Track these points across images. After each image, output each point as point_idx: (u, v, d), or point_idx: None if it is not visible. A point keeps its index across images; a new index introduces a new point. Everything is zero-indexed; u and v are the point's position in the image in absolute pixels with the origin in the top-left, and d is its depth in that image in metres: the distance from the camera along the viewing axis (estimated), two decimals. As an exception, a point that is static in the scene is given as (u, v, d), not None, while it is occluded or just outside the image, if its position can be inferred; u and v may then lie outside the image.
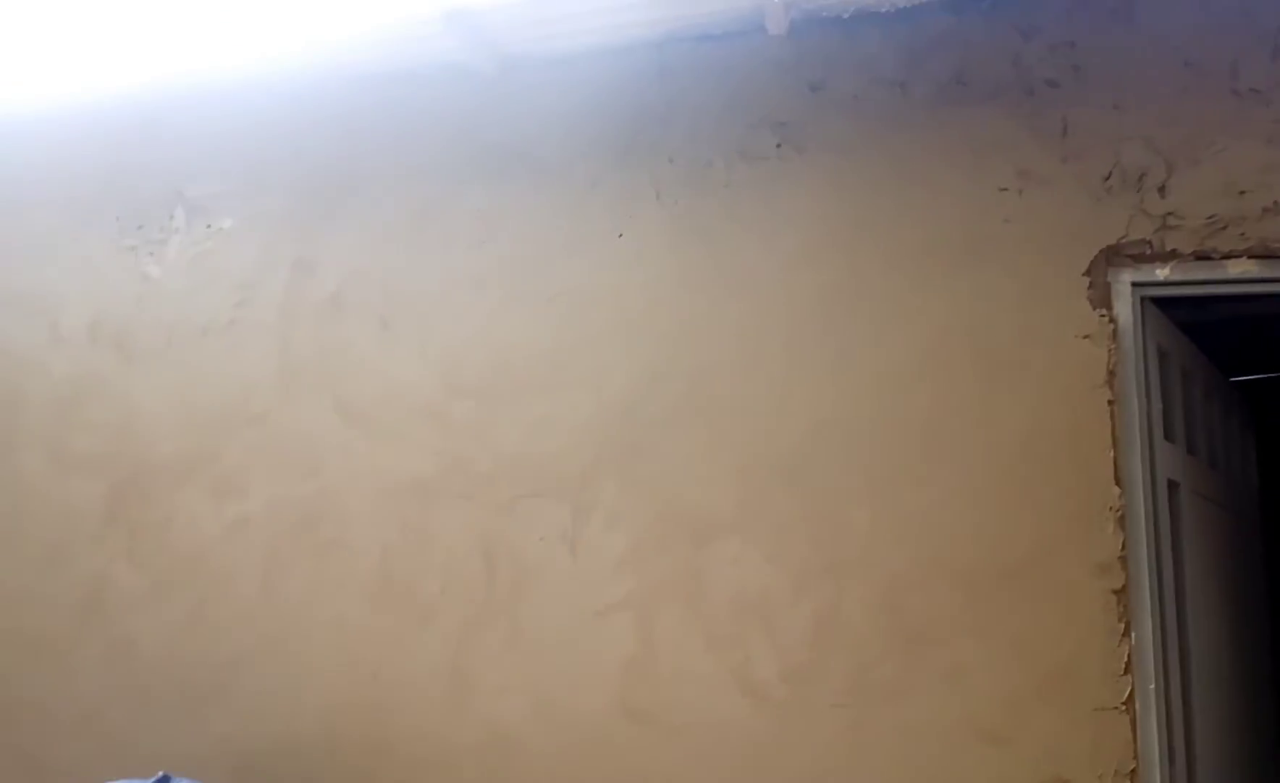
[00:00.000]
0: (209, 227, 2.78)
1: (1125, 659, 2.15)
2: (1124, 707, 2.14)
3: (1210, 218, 2.28)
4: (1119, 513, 2.21)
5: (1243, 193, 2.27)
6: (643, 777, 2.33)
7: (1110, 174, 2.34)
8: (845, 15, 2.48)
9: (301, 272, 2.68)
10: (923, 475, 2.31)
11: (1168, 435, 2.46)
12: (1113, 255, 2.32)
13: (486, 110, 2.66)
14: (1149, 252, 2.31)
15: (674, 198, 2.52)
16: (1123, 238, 2.31)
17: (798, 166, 2.48)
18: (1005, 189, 2.38)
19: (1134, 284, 2.32)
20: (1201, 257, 2.29)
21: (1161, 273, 2.32)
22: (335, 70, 2.70)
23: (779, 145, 2.50)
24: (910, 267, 2.38)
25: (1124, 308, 2.31)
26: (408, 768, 2.46)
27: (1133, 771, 2.11)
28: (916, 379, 2.34)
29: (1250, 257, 2.28)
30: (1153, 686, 2.15)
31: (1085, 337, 2.29)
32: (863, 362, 2.37)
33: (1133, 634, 2.17)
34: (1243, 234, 2.27)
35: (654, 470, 2.43)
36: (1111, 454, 2.23)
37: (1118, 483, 2.22)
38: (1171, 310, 2.51)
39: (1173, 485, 2.44)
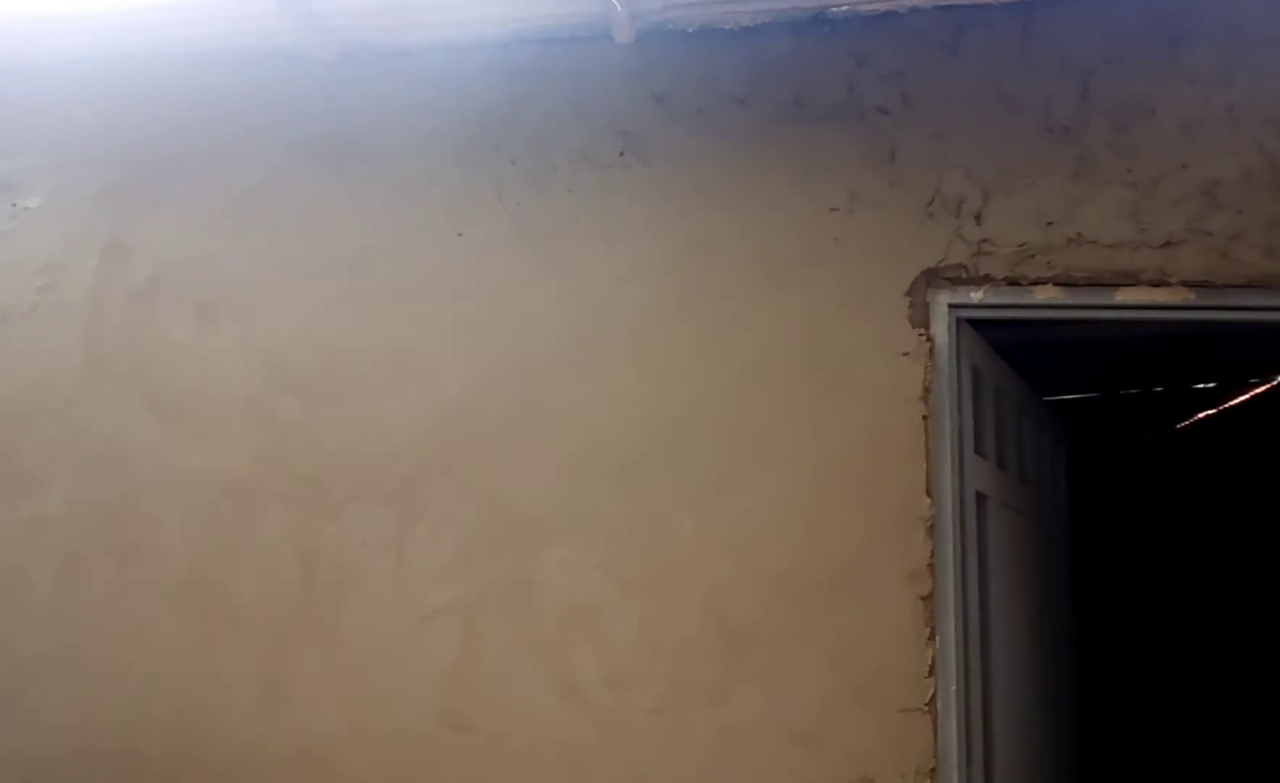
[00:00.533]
0: (14, 205, 2.59)
1: (930, 662, 2.25)
2: (927, 708, 2.23)
3: (1021, 246, 2.42)
4: (929, 523, 2.31)
5: (1050, 224, 2.42)
6: (464, 786, 2.29)
7: (933, 200, 2.45)
8: (690, 29, 2.52)
9: (114, 256, 2.52)
10: (747, 483, 2.35)
11: (979, 450, 2.59)
12: (932, 277, 2.43)
13: (322, 98, 2.57)
14: (965, 275, 2.43)
15: (515, 199, 2.50)
16: (942, 261, 2.42)
17: (640, 175, 2.50)
18: (836, 209, 2.46)
19: (951, 305, 2.44)
20: (1012, 282, 2.43)
21: (976, 296, 2.44)
22: (160, 46, 2.57)
23: (622, 153, 2.51)
24: (745, 280, 2.43)
25: (941, 327, 2.42)
26: (216, 782, 2.35)
27: (932, 769, 2.21)
28: (745, 390, 2.39)
29: (1056, 284, 2.42)
30: (954, 687, 2.26)
31: (905, 354, 2.38)
32: (695, 370, 2.41)
33: (937, 639, 2.27)
34: (1049, 262, 2.41)
35: (487, 475, 2.40)
36: (924, 467, 2.33)
37: (929, 494, 2.32)
38: (988, 331, 2.64)
39: (981, 497, 2.57)
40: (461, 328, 2.45)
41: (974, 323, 2.56)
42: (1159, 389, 6.93)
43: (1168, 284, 2.39)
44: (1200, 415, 7.26)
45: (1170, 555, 7.23)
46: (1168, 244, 2.39)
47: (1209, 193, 2.40)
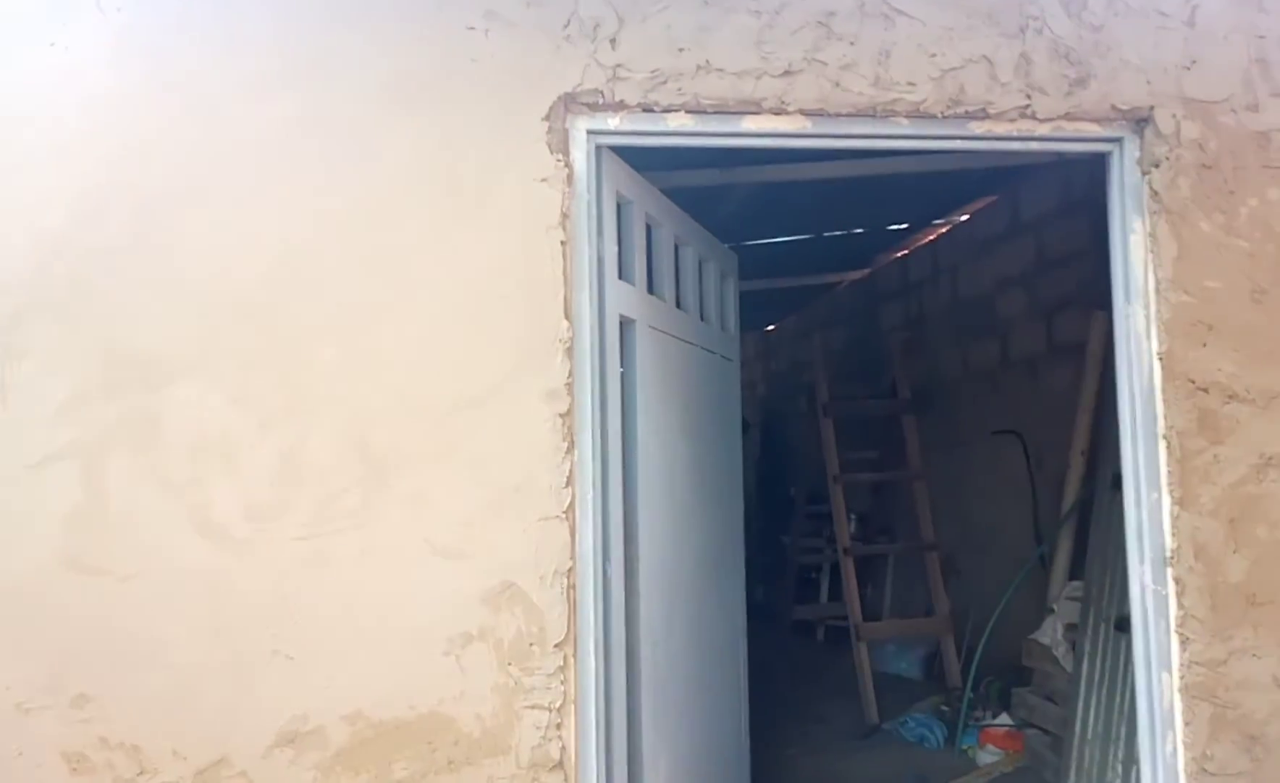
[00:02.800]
0: None
1: (568, 473, 2.37)
2: (565, 515, 2.36)
3: (654, 72, 2.48)
4: (567, 345, 2.40)
5: (681, 50, 2.49)
6: (95, 630, 2.21)
7: (569, 22, 2.45)
8: None
9: None
10: (386, 311, 2.34)
11: (624, 275, 2.70)
12: (570, 102, 2.46)
13: None
14: (601, 101, 2.47)
15: (117, 6, 2.27)
16: (579, 86, 2.45)
17: (263, -15, 2.34)
18: (473, 28, 2.42)
19: (589, 132, 2.48)
20: (647, 109, 2.50)
21: (613, 122, 2.50)
22: None
23: (244, -41, 2.33)
24: (376, 100, 2.37)
25: (580, 154, 2.47)
26: None
27: (570, 569, 2.35)
28: (380, 216, 2.35)
29: (687, 111, 2.52)
30: (590, 495, 2.40)
31: (543, 180, 2.42)
32: (326, 196, 2.34)
33: (575, 452, 2.39)
34: (680, 89, 2.49)
35: (99, 311, 2.25)
36: (563, 291, 2.40)
37: (568, 318, 2.40)
38: (668, 164, 2.70)
39: (627, 321, 2.70)
40: (60, 151, 2.24)
41: (619, 151, 2.63)
42: (859, 231, 7.51)
43: (787, 113, 2.55)
44: (894, 255, 7.95)
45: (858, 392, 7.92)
46: (787, 73, 2.53)
47: (825, 23, 2.55)
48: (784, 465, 9.61)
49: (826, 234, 7.39)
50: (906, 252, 7.82)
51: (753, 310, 10.04)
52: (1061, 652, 4.55)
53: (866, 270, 8.60)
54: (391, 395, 2.34)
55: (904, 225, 7.35)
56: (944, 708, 5.44)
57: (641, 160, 2.78)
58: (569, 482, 2.37)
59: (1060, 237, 5.53)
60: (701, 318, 3.46)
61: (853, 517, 7.15)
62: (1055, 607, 4.74)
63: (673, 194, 3.55)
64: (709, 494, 3.34)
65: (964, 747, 5.00)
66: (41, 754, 2.18)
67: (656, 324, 2.89)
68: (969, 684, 5.28)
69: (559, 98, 2.44)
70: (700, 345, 3.33)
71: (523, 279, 2.39)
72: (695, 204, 4.24)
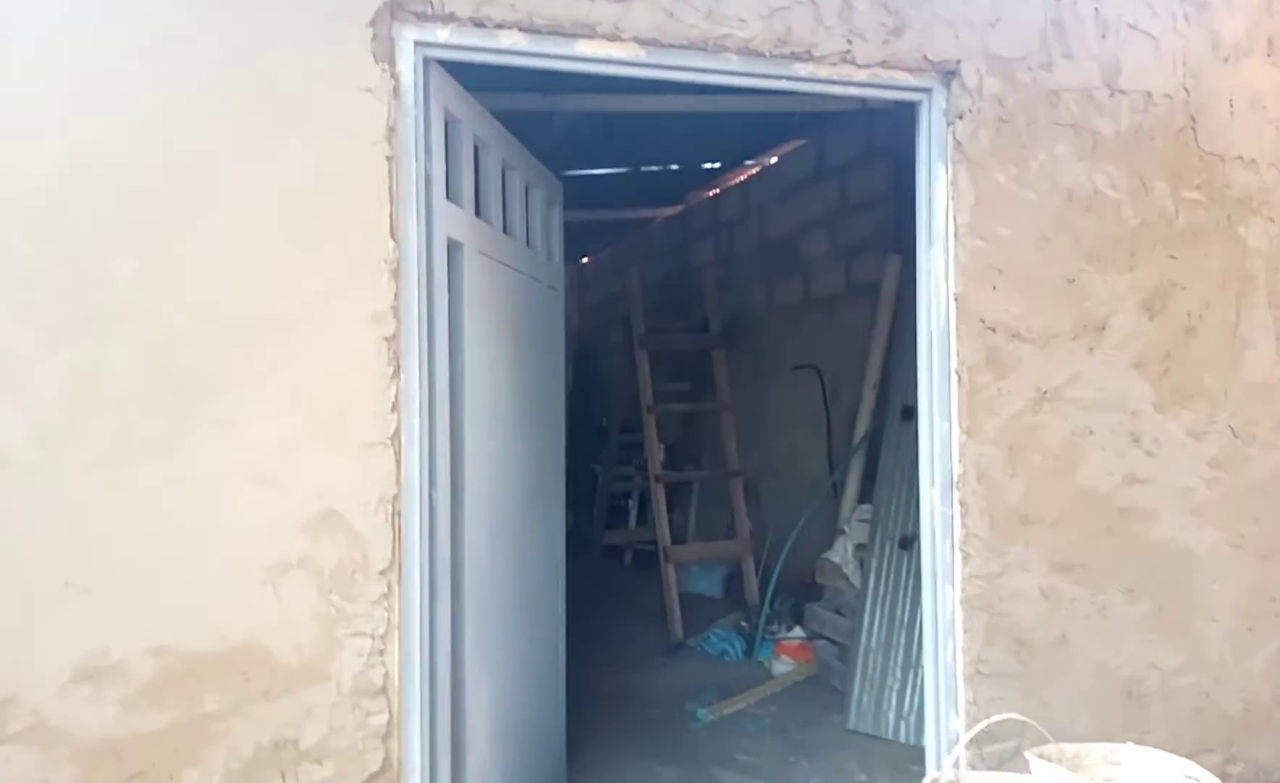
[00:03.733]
0: None
1: (394, 398, 2.31)
2: (390, 442, 2.31)
3: (486, -14, 2.40)
4: (393, 266, 2.32)
5: (513, -33, 2.42)
6: None
7: (396, -75, 2.32)
8: None
9: None
10: (194, 222, 2.18)
11: (452, 197, 2.63)
12: (397, 10, 2.35)
13: None
14: (430, 11, 2.37)
15: None
16: (407, -7, 2.34)
17: None
18: (296, -78, 2.25)
19: (417, 43, 2.38)
20: (478, 23, 2.42)
21: (442, 34, 2.40)
22: None
23: None
24: (183, -9, 2.17)
25: (406, 65, 2.37)
26: None
27: (395, 495, 2.31)
28: (188, 116, 2.18)
29: (520, 30, 2.46)
30: (417, 421, 2.35)
31: (368, 90, 2.31)
32: (123, 94, 2.14)
33: (401, 376, 2.33)
34: (513, 6, 2.43)
35: None
36: (389, 209, 2.31)
37: (394, 237, 2.32)
38: (491, 85, 2.61)
39: (455, 244, 2.64)
40: None
41: (449, 66, 2.54)
42: (675, 167, 7.61)
43: (621, 39, 2.54)
44: (707, 193, 8.12)
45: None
46: (622, -1, 2.52)
47: (661, -48, 2.55)
48: (596, 396, 9.72)
49: (643, 168, 7.46)
50: (719, 191, 8.01)
51: (568, 242, 10.04)
52: (851, 570, 4.90)
53: (680, 207, 8.74)
54: (198, 313, 2.19)
55: (717, 164, 7.52)
56: (743, 624, 5.75)
57: (468, 80, 2.70)
58: (395, 407, 2.31)
59: (862, 183, 5.82)
60: (528, 245, 3.42)
61: (663, 446, 7.36)
62: (846, 528, 5.09)
63: (496, 118, 3.48)
64: (534, 422, 3.34)
65: (761, 659, 5.31)
66: None
67: (485, 249, 2.84)
68: (766, 601, 5.60)
69: (385, 3, 2.32)
70: (527, 273, 3.30)
71: (346, 194, 2.29)
72: (516, 129, 4.18)
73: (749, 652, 5.46)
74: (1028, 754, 2.26)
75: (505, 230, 3.17)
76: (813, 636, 5.27)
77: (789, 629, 5.46)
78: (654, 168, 7.52)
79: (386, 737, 2.28)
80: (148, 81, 2.14)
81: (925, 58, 2.76)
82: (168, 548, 2.16)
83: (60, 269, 2.10)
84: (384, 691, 2.28)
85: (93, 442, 2.11)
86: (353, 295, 2.28)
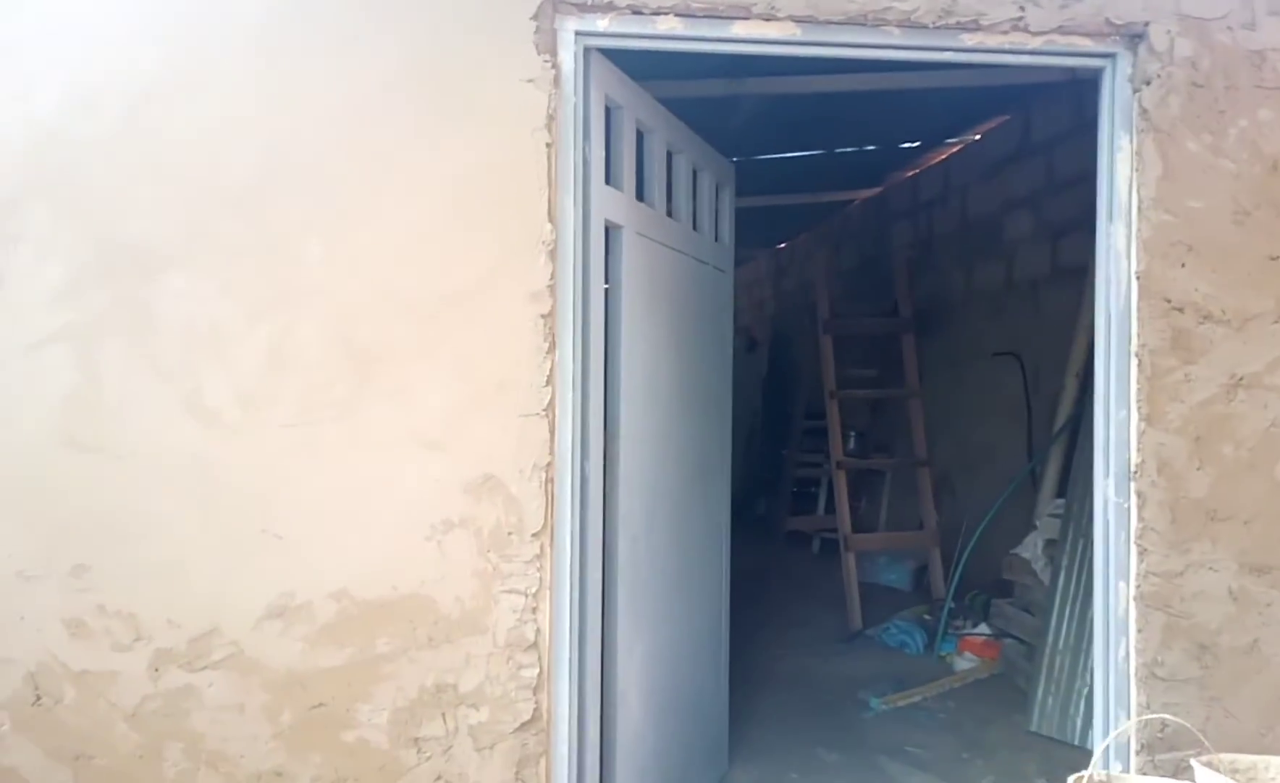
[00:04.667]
0: None
1: (549, 373, 2.44)
2: (545, 413, 2.44)
3: (644, -26, 2.48)
4: (550, 248, 2.44)
5: (671, -47, 2.49)
6: (91, 505, 2.32)
7: (559, -79, 2.44)
8: None
9: None
10: (373, 207, 2.39)
11: (611, 181, 2.73)
12: (559, 3, 2.46)
13: None
14: (590, 2, 2.47)
15: (106, -106, 2.28)
16: (567, -14, 2.45)
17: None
18: (460, -78, 2.42)
19: (578, 33, 2.49)
20: (636, 11, 2.50)
21: (602, 24, 2.50)
22: None
23: None
24: (365, -4, 2.38)
25: (567, 55, 2.48)
26: None
27: (548, 464, 2.44)
28: (367, 112, 2.38)
29: (676, 15, 2.52)
30: (570, 395, 2.47)
31: (530, 81, 2.44)
32: (315, 91, 2.37)
33: (556, 352, 2.46)
34: (670, -7, 2.49)
35: (93, 199, 2.31)
36: (547, 194, 2.44)
37: (551, 220, 2.44)
38: (647, 72, 2.68)
39: (614, 227, 2.74)
40: (51, 36, 2.27)
41: (611, 54, 2.64)
42: (871, 148, 7.43)
43: (776, 19, 2.54)
44: (907, 174, 7.87)
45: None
46: (778, -22, 2.52)
47: (818, -70, 2.53)
48: (792, 383, 9.68)
49: (838, 151, 7.33)
50: (918, 171, 7.75)
51: (765, 227, 10.05)
52: (1040, 566, 4.66)
53: (879, 188, 8.53)
54: (376, 291, 2.40)
55: (916, 143, 7.28)
56: (926, 617, 5.60)
57: (641, 67, 2.79)
58: (549, 381, 2.44)
59: (1070, 158, 5.48)
60: (695, 228, 3.48)
61: (852, 433, 7.24)
62: (1038, 522, 4.84)
63: (676, 104, 3.56)
64: (696, 401, 3.41)
65: (942, 653, 5.16)
66: (42, 620, 2.30)
67: (645, 231, 2.93)
68: (950, 594, 5.42)
69: (547, -2, 2.45)
70: (691, 255, 3.36)
71: (508, 180, 2.43)
72: (702, 115, 4.24)
73: (930, 646, 5.31)
74: (1193, 761, 2.11)
75: (670, 213, 3.24)
76: (999, 633, 5.06)
77: (975, 625, 5.26)
78: (849, 149, 7.38)
79: (537, 689, 2.43)
80: (334, 79, 2.37)
81: (1108, 21, 2.59)
82: (348, 502, 2.39)
83: (259, 250, 2.37)
84: (535, 646, 2.43)
85: (285, 404, 2.37)
86: (513, 275, 2.42)
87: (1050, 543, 4.64)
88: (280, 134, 2.36)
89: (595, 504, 2.58)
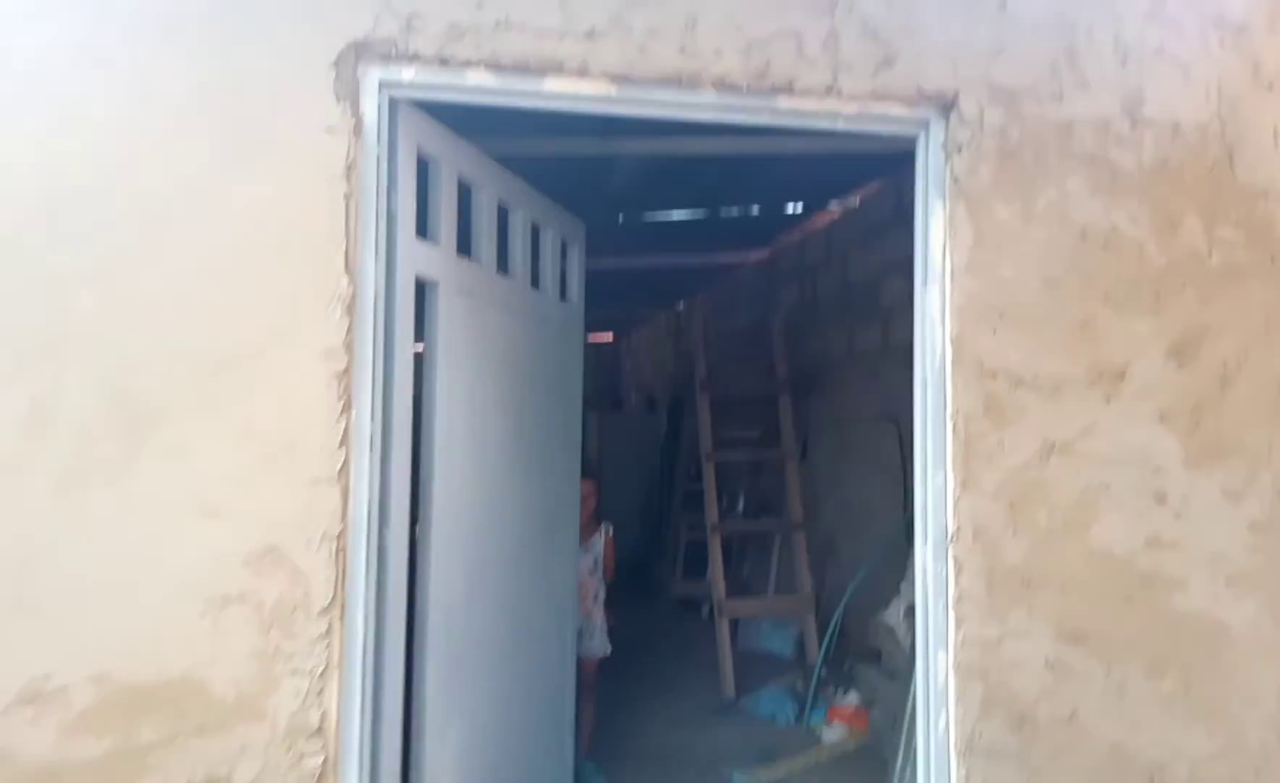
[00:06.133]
0: None
1: (342, 434, 2.31)
2: (337, 478, 2.30)
3: (451, 25, 2.41)
4: (347, 302, 2.33)
5: (480, 4, 2.43)
6: None
7: (363, -32, 2.37)
8: None
9: None
10: (154, 254, 2.25)
11: (429, 236, 2.63)
12: (362, 51, 2.38)
13: None
14: (395, 51, 2.40)
15: None
16: (370, 34, 2.37)
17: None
18: (260, -34, 2.32)
19: (383, 83, 2.41)
20: (443, 62, 2.43)
21: (408, 75, 2.43)
22: None
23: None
24: (152, 34, 2.26)
25: (370, 105, 2.39)
26: None
27: (340, 532, 2.30)
28: (149, 155, 2.25)
29: (486, 67, 2.46)
30: (367, 458, 2.34)
31: (329, 129, 2.34)
32: (93, 130, 2.23)
33: (352, 412, 2.33)
34: (478, 44, 2.43)
35: None
36: (345, 246, 2.33)
37: (348, 273, 2.33)
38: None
39: (429, 282, 2.64)
40: None
41: (431, 105, 2.56)
42: (755, 211, 7.51)
43: (590, 76, 2.50)
44: (794, 237, 7.98)
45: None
46: (591, 35, 2.48)
47: (633, -12, 2.51)
48: (689, 444, 9.65)
49: (723, 212, 7.40)
50: (804, 235, 7.87)
51: (665, 286, 10.08)
52: (902, 632, 4.63)
53: (769, 251, 8.63)
54: (156, 345, 2.25)
55: (799, 208, 7.39)
56: (798, 686, 5.52)
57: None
58: (343, 443, 2.31)
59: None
60: (537, 285, 3.41)
61: (740, 495, 7.21)
62: (902, 587, 4.83)
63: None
64: (537, 463, 3.30)
65: (812, 724, 5.08)
66: None
67: (469, 288, 2.83)
68: (821, 662, 5.36)
69: (349, 45, 2.36)
70: (530, 312, 3.28)
71: (303, 232, 2.32)
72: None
73: (801, 715, 5.23)
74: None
75: (507, 270, 3.17)
76: (867, 701, 5.01)
77: (845, 693, 5.21)
78: (734, 211, 7.46)
79: (321, 778, 2.25)
80: (119, 125, 2.23)
81: (919, 89, 2.62)
82: (115, 574, 2.21)
83: (24, 301, 2.20)
84: (321, 731, 2.26)
85: (48, 466, 2.18)
86: (305, 330, 2.30)
87: (911, 609, 4.62)
88: (54, 175, 2.21)
89: (398, 575, 2.44)
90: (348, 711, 2.30)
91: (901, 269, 6.11)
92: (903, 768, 4.15)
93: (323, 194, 2.33)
